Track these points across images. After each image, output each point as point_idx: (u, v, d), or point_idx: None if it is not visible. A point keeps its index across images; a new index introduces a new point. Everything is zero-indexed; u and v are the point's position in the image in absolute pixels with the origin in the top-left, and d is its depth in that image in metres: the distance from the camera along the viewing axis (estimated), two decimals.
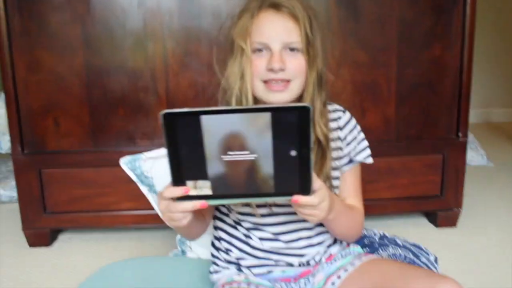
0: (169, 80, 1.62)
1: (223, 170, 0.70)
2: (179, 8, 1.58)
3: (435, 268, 1.07)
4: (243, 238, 0.99)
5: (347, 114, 1.01)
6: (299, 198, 0.73)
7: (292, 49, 0.90)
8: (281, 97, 0.90)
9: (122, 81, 1.61)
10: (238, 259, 1.00)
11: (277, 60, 0.87)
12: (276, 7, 0.89)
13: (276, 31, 0.89)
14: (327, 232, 0.99)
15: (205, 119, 0.67)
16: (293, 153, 0.69)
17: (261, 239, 0.97)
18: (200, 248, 1.29)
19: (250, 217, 0.97)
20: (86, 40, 1.58)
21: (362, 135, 1.02)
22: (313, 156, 0.72)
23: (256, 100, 0.93)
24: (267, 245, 0.97)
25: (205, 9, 1.58)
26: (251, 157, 0.69)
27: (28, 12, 1.56)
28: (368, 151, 1.02)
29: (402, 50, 1.66)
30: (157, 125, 1.65)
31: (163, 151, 1.29)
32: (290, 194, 0.73)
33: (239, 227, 0.99)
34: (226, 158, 0.69)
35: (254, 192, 0.72)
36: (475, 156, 2.58)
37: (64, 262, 1.64)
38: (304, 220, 0.95)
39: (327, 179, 0.94)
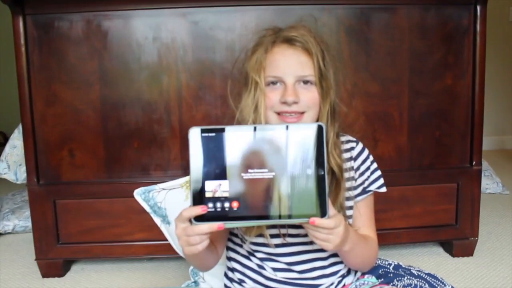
0: (183, 112, 1.64)
1: (242, 189, 0.73)
2: (193, 42, 1.62)
3: None
4: (257, 268, 0.99)
5: (360, 145, 1.02)
6: (315, 220, 0.74)
7: (305, 82, 0.92)
8: None
9: (136, 114, 1.64)
10: None
11: (290, 94, 0.89)
12: (290, 41, 0.92)
13: (290, 65, 0.91)
14: (341, 262, 0.99)
15: (228, 136, 0.72)
16: (309, 171, 0.73)
17: (274, 269, 0.97)
18: (213, 279, 1.28)
19: (263, 248, 0.97)
20: (103, 74, 1.62)
21: (375, 164, 1.03)
22: (327, 180, 0.74)
23: None
24: (280, 275, 0.97)
25: (219, 43, 1.62)
26: (270, 175, 0.73)
27: (48, 48, 1.61)
28: (381, 180, 1.02)
29: (413, 81, 1.68)
30: (171, 157, 1.67)
31: (176, 182, 1.31)
32: (306, 216, 0.74)
33: (252, 258, 0.99)
34: (246, 176, 0.73)
35: (271, 214, 0.74)
36: (490, 183, 2.56)
37: None
38: (318, 250, 0.95)
39: (341, 209, 0.94)
